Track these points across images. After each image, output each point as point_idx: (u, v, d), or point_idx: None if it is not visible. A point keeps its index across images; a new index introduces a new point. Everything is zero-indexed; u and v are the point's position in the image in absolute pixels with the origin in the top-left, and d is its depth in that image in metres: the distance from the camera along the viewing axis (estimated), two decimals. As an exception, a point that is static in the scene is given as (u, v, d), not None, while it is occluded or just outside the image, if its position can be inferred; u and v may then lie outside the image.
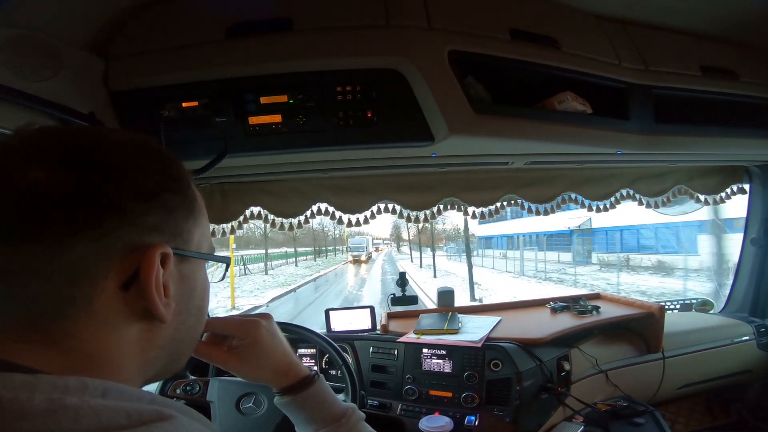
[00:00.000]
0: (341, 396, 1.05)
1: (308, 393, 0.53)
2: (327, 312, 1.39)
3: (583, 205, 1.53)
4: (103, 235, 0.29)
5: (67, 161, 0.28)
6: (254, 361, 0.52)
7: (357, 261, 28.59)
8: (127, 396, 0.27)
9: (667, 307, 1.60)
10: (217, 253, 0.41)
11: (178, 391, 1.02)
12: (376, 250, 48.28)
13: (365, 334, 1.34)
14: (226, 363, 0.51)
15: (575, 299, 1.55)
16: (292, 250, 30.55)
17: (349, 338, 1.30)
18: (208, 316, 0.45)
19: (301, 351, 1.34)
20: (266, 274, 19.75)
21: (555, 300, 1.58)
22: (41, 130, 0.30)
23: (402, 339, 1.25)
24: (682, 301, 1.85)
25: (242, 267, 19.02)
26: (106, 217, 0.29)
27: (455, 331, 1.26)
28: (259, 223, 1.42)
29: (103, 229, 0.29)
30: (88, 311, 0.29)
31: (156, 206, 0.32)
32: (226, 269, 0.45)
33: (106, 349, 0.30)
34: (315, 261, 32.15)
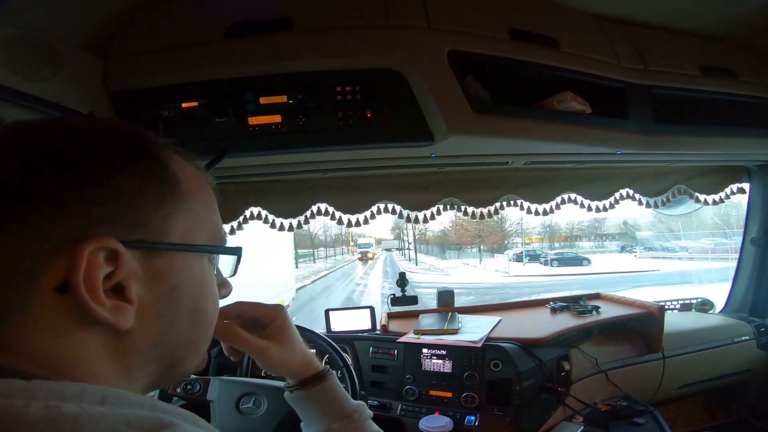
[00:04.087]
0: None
1: (324, 387, 0.53)
2: (327, 312, 1.39)
3: (582, 205, 1.53)
4: (30, 231, 0.26)
5: (5, 153, 0.27)
6: (289, 344, 0.51)
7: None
8: (127, 402, 0.25)
9: (666, 306, 1.60)
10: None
11: (178, 390, 1.02)
12: (362, 256, 28.24)
13: (365, 334, 1.34)
14: (267, 349, 0.49)
15: (575, 299, 1.55)
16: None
17: (348, 338, 1.30)
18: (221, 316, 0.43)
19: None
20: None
21: (555, 300, 1.58)
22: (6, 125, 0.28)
23: (402, 339, 1.25)
24: (682, 301, 1.85)
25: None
26: (31, 210, 0.26)
27: (455, 331, 1.26)
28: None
29: (28, 223, 0.25)
30: (29, 315, 0.26)
31: (104, 194, 0.27)
32: (238, 261, 0.41)
33: (66, 354, 0.27)
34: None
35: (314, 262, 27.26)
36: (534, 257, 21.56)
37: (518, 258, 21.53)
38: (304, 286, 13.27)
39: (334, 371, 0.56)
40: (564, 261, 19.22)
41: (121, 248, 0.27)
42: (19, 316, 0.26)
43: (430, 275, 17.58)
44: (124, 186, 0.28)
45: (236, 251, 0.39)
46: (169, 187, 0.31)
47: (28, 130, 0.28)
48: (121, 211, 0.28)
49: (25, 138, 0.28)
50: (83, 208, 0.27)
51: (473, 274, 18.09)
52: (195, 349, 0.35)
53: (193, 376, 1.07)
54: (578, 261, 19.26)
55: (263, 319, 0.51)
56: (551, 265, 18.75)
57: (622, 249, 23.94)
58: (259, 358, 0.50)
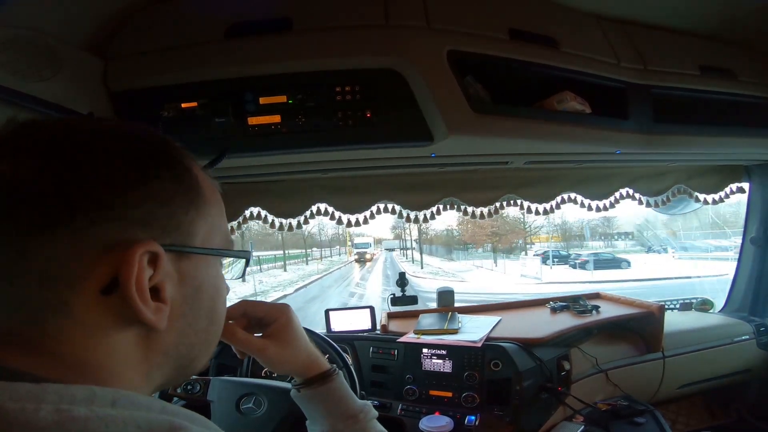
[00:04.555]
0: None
1: (331, 386, 0.52)
2: (327, 312, 1.39)
3: (582, 205, 1.53)
4: (75, 233, 0.26)
5: (34, 153, 0.26)
6: (291, 344, 0.51)
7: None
8: (137, 405, 0.25)
9: (666, 306, 1.60)
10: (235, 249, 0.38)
11: (178, 390, 1.02)
12: (359, 257, 25.11)
13: (365, 334, 1.34)
14: (265, 349, 0.49)
15: (575, 299, 1.55)
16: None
17: (349, 338, 1.30)
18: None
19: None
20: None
21: (555, 300, 1.58)
22: (19, 123, 0.28)
23: (402, 339, 1.25)
24: (682, 301, 1.85)
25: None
26: (77, 212, 0.26)
27: (455, 331, 1.26)
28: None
29: (74, 226, 0.26)
30: (69, 316, 0.26)
31: (141, 197, 0.28)
32: (246, 265, 0.42)
33: (99, 355, 0.28)
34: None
35: (306, 263, 24.72)
36: (562, 258, 18.12)
37: (542, 259, 17.36)
38: (285, 296, 11.71)
39: (339, 371, 0.55)
40: (600, 263, 15.76)
41: (161, 251, 0.28)
42: (57, 318, 0.26)
43: (440, 281, 14.17)
44: (159, 191, 0.29)
45: (247, 254, 0.40)
46: (194, 193, 0.32)
47: (68, 131, 0.29)
48: (156, 215, 0.29)
49: (68, 139, 0.28)
50: (123, 212, 0.27)
51: (493, 279, 14.99)
52: (207, 349, 0.36)
53: (194, 377, 1.07)
54: (616, 263, 15.94)
55: (266, 319, 0.52)
56: (585, 269, 15.68)
57: (649, 249, 20.19)
58: (258, 357, 0.50)
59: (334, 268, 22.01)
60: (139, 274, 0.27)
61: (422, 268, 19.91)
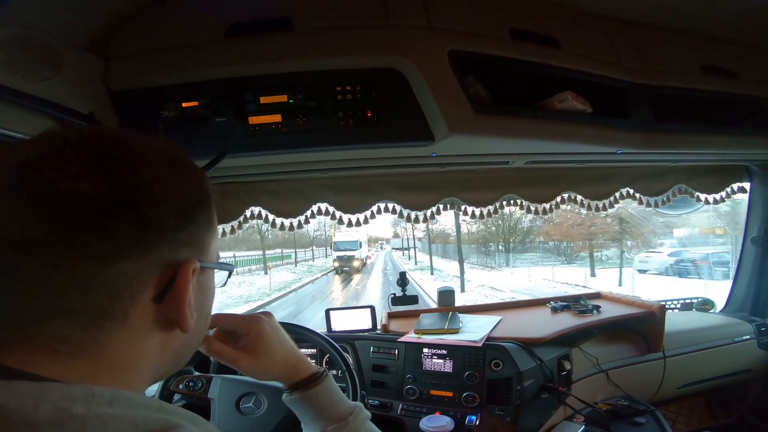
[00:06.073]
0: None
1: (319, 390, 0.53)
2: (327, 312, 1.39)
3: (582, 204, 1.53)
4: (146, 251, 0.29)
5: (113, 174, 0.28)
6: (263, 356, 0.52)
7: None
8: (134, 404, 0.26)
9: (667, 306, 1.60)
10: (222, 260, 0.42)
11: (180, 386, 1.02)
12: (342, 265, 15.39)
13: (366, 333, 1.34)
14: (238, 360, 0.51)
15: (576, 299, 1.55)
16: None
17: (349, 338, 1.30)
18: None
19: (302, 351, 1.33)
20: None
21: (555, 299, 1.58)
22: (92, 137, 0.30)
23: (402, 339, 1.24)
24: (682, 301, 1.85)
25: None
26: (149, 232, 0.29)
27: (456, 331, 1.26)
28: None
29: (146, 244, 0.29)
30: (123, 323, 0.29)
31: (189, 221, 0.33)
32: (229, 275, 0.46)
33: (129, 357, 0.31)
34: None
35: (266, 272, 16.05)
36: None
37: (681, 271, 10.46)
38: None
39: (329, 374, 0.56)
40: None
41: (198, 267, 0.33)
42: (111, 323, 0.29)
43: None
44: (197, 216, 0.33)
45: (232, 267, 0.45)
46: (212, 217, 0.37)
47: (135, 149, 0.31)
48: (194, 236, 0.34)
49: (138, 161, 0.30)
50: (178, 234, 0.32)
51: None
52: (195, 348, 0.41)
53: (196, 373, 1.07)
54: None
55: (239, 331, 0.52)
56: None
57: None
58: (233, 367, 0.52)
59: (301, 283, 13.99)
60: (189, 286, 0.32)
61: (463, 291, 11.07)
